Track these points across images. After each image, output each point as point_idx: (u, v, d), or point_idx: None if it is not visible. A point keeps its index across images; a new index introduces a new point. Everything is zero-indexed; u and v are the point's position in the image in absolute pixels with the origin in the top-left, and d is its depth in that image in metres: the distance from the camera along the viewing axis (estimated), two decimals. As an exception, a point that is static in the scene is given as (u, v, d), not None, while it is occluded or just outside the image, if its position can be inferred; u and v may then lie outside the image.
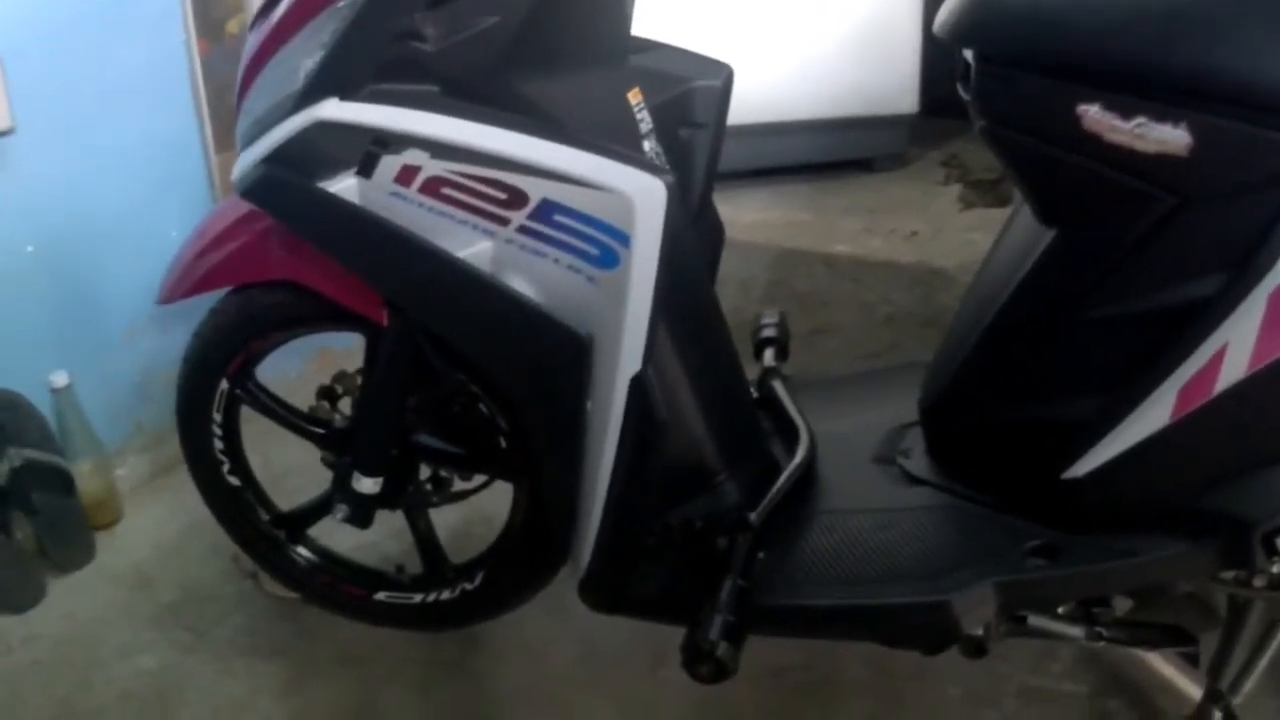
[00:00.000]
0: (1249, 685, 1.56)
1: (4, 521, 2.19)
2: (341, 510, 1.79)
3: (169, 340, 2.26)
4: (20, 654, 2.07)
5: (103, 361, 2.44)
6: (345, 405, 1.87)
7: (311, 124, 1.43)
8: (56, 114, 2.25)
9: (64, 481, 2.26)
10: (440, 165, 1.42)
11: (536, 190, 1.38)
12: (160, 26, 2.44)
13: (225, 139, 2.54)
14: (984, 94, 1.38)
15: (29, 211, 2.25)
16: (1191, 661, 1.61)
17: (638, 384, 1.42)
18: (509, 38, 1.42)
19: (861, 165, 4.23)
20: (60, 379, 2.29)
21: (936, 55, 1.42)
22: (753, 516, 1.53)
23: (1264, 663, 1.55)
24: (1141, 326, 1.35)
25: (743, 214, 3.83)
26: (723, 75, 1.74)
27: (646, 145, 1.61)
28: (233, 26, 2.59)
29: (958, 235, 3.64)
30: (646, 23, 1.74)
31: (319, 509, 1.94)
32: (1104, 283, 1.37)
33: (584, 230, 1.38)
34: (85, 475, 2.33)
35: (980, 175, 3.98)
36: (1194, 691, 1.67)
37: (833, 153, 4.19)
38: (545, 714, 1.92)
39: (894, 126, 4.16)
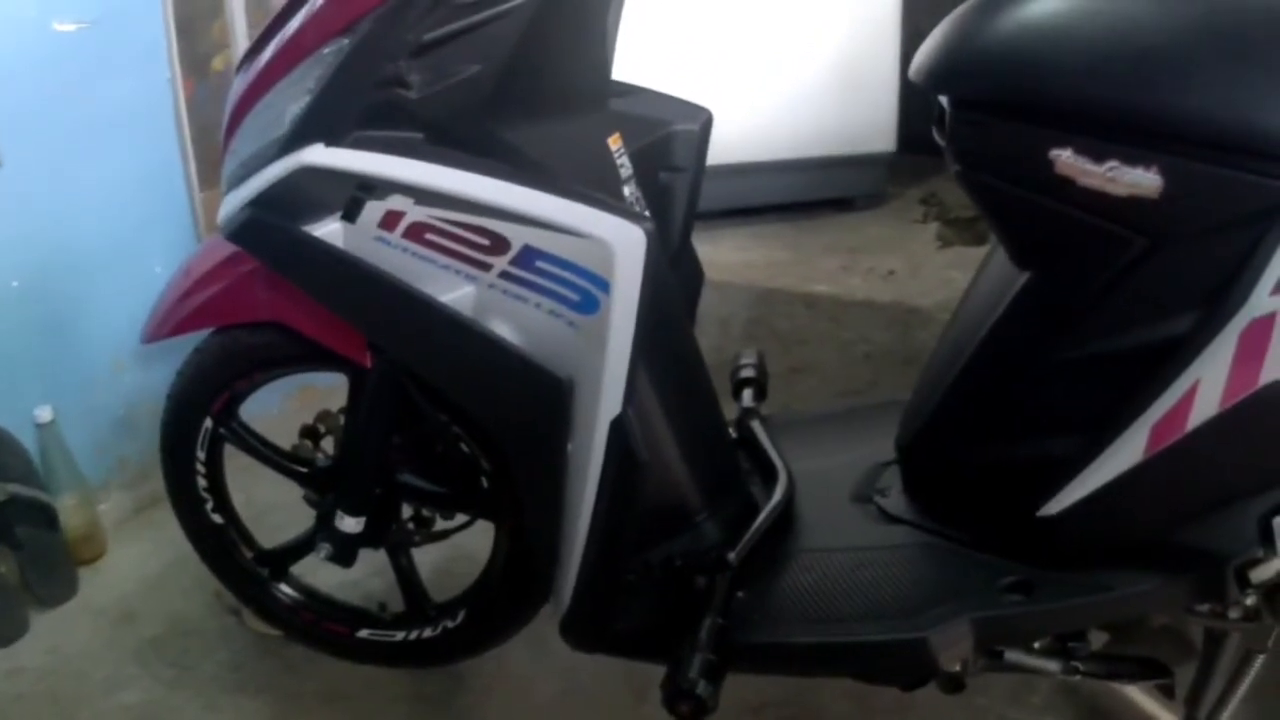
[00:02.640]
0: (1225, 716, 1.57)
1: (-12, 556, 2.19)
2: (324, 548, 1.80)
3: (153, 375, 2.27)
4: (3, 688, 2.06)
5: (87, 396, 2.45)
6: (328, 444, 1.88)
7: (297, 169, 1.45)
8: (42, 149, 2.25)
9: (48, 516, 2.26)
10: (424, 211, 1.43)
11: (518, 237, 1.40)
12: (145, 63, 2.45)
13: (209, 175, 2.54)
14: (958, 139, 1.40)
15: (14, 246, 2.25)
16: (1167, 693, 1.62)
17: (618, 426, 1.43)
18: (491, 85, 1.44)
19: (841, 204, 4.26)
20: (44, 414, 2.29)
21: (914, 94, 1.44)
22: (732, 555, 1.53)
23: (1240, 693, 1.55)
24: (1115, 365, 1.36)
25: (723, 253, 3.85)
26: (701, 119, 1.77)
27: (626, 190, 1.63)
28: (218, 64, 2.60)
29: (935, 273, 3.66)
30: (626, 65, 1.76)
31: (302, 547, 1.94)
32: (1077, 323, 1.39)
33: (565, 276, 1.40)
34: (69, 510, 2.33)
35: (958, 213, 4.01)
36: (1171, 723, 1.69)
37: (812, 192, 4.21)
38: (528, 750, 1.92)
39: (873, 166, 4.19)
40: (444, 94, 1.44)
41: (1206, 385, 1.30)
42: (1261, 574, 1.37)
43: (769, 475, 1.73)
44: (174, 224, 2.58)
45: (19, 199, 2.23)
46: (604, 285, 1.37)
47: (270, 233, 1.52)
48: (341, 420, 1.82)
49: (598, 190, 1.46)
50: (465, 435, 1.70)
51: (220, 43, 2.60)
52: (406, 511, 1.88)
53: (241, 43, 2.60)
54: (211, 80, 2.58)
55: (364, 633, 1.97)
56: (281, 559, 2.00)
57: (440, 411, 1.67)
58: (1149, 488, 1.38)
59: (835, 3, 3.89)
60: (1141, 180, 1.26)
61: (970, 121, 1.38)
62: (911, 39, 3.74)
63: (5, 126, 2.17)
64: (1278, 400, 1.28)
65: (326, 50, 1.44)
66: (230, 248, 1.63)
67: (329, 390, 1.90)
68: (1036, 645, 1.54)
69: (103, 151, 2.38)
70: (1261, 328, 1.25)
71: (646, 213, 1.65)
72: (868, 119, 4.01)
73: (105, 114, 2.36)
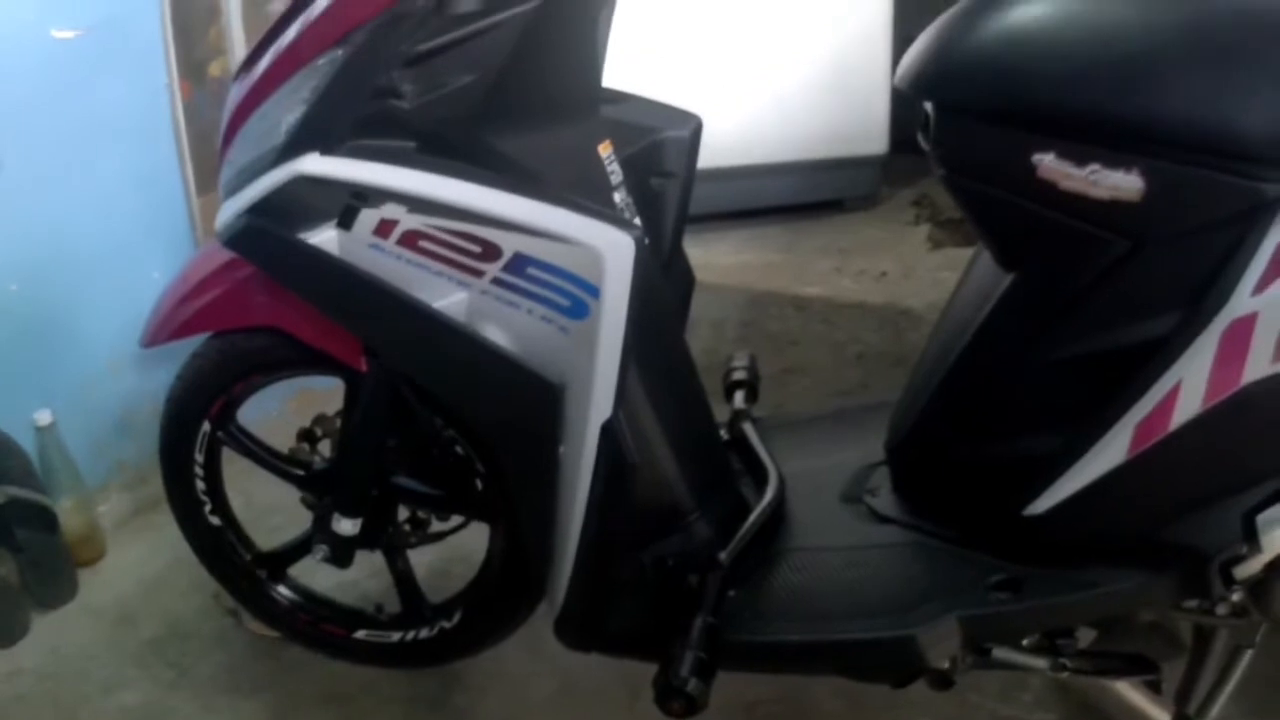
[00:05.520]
0: (1215, 711, 1.57)
1: (-12, 559, 2.20)
2: (321, 550, 1.81)
3: (151, 379, 2.28)
4: (3, 690, 2.08)
5: (86, 399, 2.46)
6: (325, 447, 1.89)
7: (293, 177, 1.46)
8: (41, 154, 2.27)
9: (47, 518, 2.27)
10: (417, 219, 1.45)
11: (509, 244, 1.42)
12: (143, 68, 2.46)
13: (207, 180, 2.56)
14: (943, 144, 1.41)
15: (13, 250, 2.27)
16: (1154, 689, 1.63)
17: (609, 429, 1.44)
18: (484, 95, 1.45)
19: (833, 206, 4.26)
20: (44, 417, 2.30)
21: (905, 96, 1.46)
22: (723, 555, 1.55)
23: (1229, 689, 1.55)
24: (1098, 366, 1.38)
25: (717, 256, 3.85)
26: (691, 125, 1.78)
27: (617, 197, 1.64)
28: (215, 69, 2.61)
29: (927, 275, 3.67)
30: (617, 71, 1.77)
31: (299, 549, 1.95)
32: (1061, 324, 1.40)
33: (555, 282, 1.41)
34: (68, 512, 2.34)
35: (949, 215, 4.00)
36: (1162, 718, 1.70)
37: (805, 194, 4.21)
38: (524, 748, 1.93)
39: (865, 167, 4.18)
40: (437, 104, 1.45)
41: (1189, 385, 1.31)
42: (1246, 570, 1.38)
43: (760, 476, 1.74)
44: (172, 229, 2.59)
45: (18, 203, 2.24)
46: (594, 291, 1.39)
47: (267, 240, 1.53)
48: (338, 424, 1.84)
49: (588, 197, 1.47)
50: (460, 438, 1.72)
51: (217, 48, 2.61)
52: (403, 513, 1.89)
53: (238, 48, 2.61)
54: (209, 85, 2.59)
55: (361, 634, 1.99)
56: (279, 560, 2.01)
57: (435, 415, 1.69)
58: (1133, 486, 1.40)
59: (827, 6, 3.89)
60: (1123, 183, 1.27)
61: (955, 127, 1.40)
62: (902, 42, 3.74)
63: (5, 132, 2.18)
64: (1259, 399, 1.30)
65: (321, 60, 1.46)
66: (228, 253, 1.63)
67: (326, 394, 1.91)
68: (1025, 642, 1.55)
69: (101, 157, 2.39)
70: (1243, 328, 1.27)
71: (636, 219, 1.67)
72: (859, 121, 4.00)
73: (103, 119, 2.38)
